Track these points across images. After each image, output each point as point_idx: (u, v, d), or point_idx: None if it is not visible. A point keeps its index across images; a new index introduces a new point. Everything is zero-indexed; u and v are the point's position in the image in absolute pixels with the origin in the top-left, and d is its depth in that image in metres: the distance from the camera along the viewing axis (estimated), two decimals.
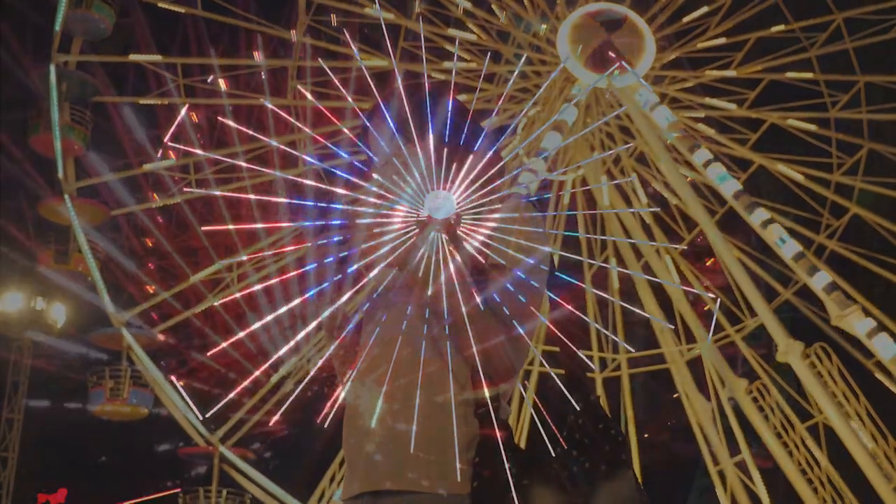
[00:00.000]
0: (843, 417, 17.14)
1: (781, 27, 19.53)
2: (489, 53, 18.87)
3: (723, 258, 17.77)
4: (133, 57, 15.47)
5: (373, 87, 3.19)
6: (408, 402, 2.90)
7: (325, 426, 2.93)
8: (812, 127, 19.71)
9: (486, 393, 2.90)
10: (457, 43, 18.26)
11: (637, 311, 20.63)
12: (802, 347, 17.63)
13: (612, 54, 17.75)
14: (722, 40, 19.16)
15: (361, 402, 3.04)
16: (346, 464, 3.09)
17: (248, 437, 15.88)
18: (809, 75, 19.70)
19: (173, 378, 14.00)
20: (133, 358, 14.65)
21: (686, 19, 19.30)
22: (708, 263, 18.67)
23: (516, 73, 18.60)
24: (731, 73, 19.30)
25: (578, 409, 2.91)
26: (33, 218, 16.98)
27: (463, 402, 2.94)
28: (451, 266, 2.78)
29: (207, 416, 14.61)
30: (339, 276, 2.85)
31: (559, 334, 2.97)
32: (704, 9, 19.44)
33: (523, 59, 18.71)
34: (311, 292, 2.86)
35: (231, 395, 3.58)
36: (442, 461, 2.87)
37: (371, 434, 2.97)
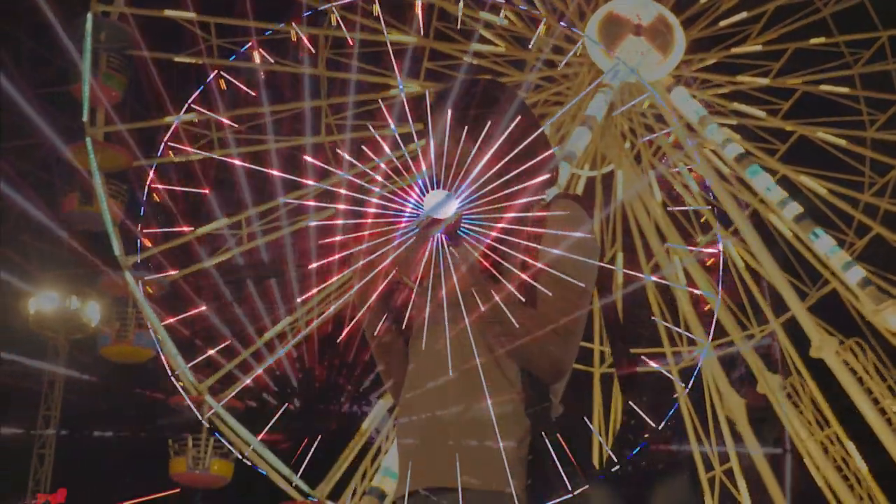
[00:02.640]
0: (878, 413, 16.59)
1: (822, 39, 19.45)
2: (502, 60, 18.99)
3: (757, 254, 17.50)
4: (167, 12, 16.16)
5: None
6: (457, 398, 2.91)
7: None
8: (842, 142, 19.44)
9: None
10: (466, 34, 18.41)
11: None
12: (837, 343, 17.17)
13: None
14: (758, 48, 19.13)
15: (412, 398, 3.05)
16: (398, 460, 3.10)
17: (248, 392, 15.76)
18: (846, 90, 19.53)
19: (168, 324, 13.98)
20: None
21: (723, 23, 19.36)
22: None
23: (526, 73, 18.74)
24: (763, 80, 19.21)
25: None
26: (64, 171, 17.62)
27: (513, 399, 2.90)
28: (462, 266, 2.75)
29: (192, 364, 14.52)
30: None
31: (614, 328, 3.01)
32: (743, 14, 19.47)
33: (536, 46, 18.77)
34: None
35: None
36: (493, 459, 2.83)
37: (421, 431, 2.98)
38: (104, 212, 13.67)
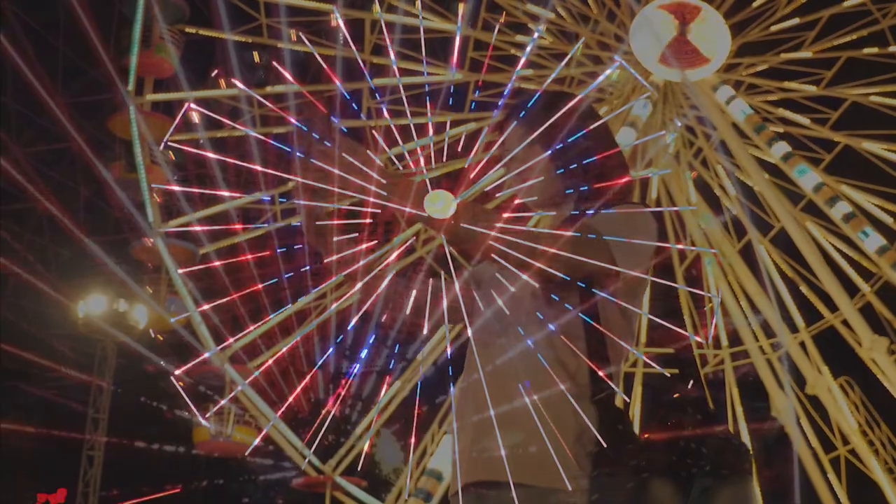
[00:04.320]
0: None
1: (875, 50, 19.06)
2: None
3: (804, 252, 17.27)
4: None
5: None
6: (515, 390, 2.84)
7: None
8: (890, 156, 19.04)
9: (600, 374, 2.81)
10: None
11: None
12: (888, 343, 16.75)
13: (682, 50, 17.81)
14: (794, 21, 18.87)
15: (469, 390, 3.05)
16: (455, 455, 3.06)
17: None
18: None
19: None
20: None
21: (774, 28, 19.19)
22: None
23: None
24: (805, 53, 18.93)
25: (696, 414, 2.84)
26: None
27: (574, 388, 2.83)
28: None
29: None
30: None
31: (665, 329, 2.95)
32: (795, 20, 19.26)
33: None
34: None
35: None
36: (555, 454, 2.75)
37: (477, 424, 2.92)
38: (141, 179, 13.96)
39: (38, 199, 17.47)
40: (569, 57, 17.75)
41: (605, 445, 2.72)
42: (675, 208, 18.71)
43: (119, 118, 15.66)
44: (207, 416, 17.56)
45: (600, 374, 2.83)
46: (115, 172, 17.55)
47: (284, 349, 15.50)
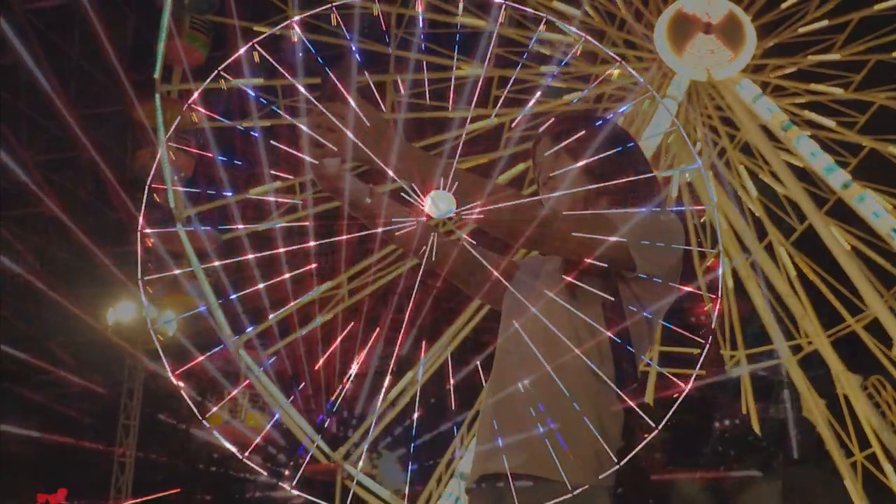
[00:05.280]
0: None
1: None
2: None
3: (833, 250, 17.16)
4: None
5: None
6: (539, 384, 2.86)
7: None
8: None
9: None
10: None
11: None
12: None
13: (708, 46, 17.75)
14: (824, 23, 18.73)
15: (492, 382, 3.08)
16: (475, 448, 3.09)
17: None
18: None
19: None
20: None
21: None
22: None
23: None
24: (834, 56, 18.77)
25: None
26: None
27: (597, 383, 2.85)
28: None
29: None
30: None
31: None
32: (824, 22, 19.10)
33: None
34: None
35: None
36: (581, 449, 2.77)
37: (498, 416, 2.94)
38: (164, 165, 14.11)
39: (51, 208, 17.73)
40: (600, 79, 17.78)
41: (628, 440, 2.76)
42: (698, 207, 18.65)
43: (148, 106, 15.83)
44: (214, 409, 17.72)
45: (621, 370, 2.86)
46: (142, 159, 17.76)
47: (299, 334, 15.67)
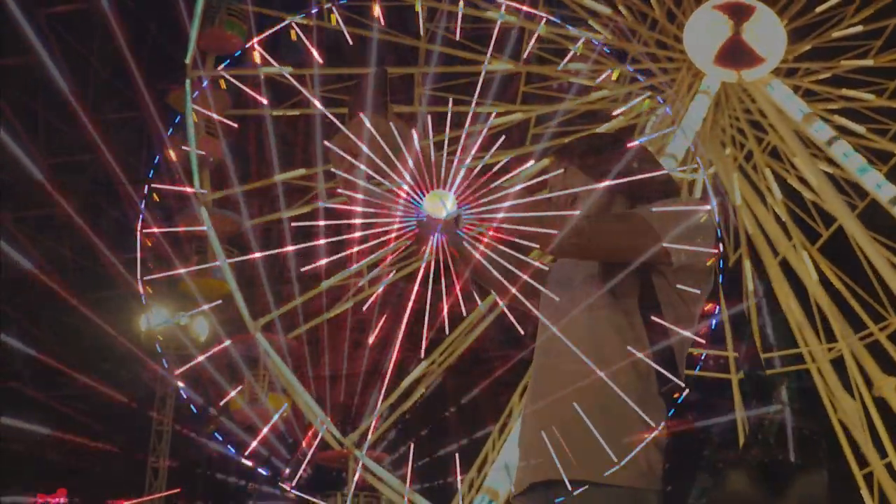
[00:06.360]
0: None
1: None
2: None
3: (866, 252, 17.04)
4: None
5: None
6: (580, 388, 2.81)
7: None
8: None
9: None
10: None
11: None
12: None
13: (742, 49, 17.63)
14: (858, 28, 18.53)
15: (534, 387, 3.06)
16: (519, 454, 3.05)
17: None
18: None
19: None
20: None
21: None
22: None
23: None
24: (867, 62, 18.57)
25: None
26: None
27: (640, 380, 2.82)
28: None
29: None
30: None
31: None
32: None
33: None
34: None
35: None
36: (624, 450, 2.73)
37: (543, 420, 2.89)
38: (191, 150, 14.21)
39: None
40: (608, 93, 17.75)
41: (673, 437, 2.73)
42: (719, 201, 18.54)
43: (179, 93, 15.93)
44: (223, 401, 17.80)
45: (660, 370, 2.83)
46: (173, 143, 17.88)
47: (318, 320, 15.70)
